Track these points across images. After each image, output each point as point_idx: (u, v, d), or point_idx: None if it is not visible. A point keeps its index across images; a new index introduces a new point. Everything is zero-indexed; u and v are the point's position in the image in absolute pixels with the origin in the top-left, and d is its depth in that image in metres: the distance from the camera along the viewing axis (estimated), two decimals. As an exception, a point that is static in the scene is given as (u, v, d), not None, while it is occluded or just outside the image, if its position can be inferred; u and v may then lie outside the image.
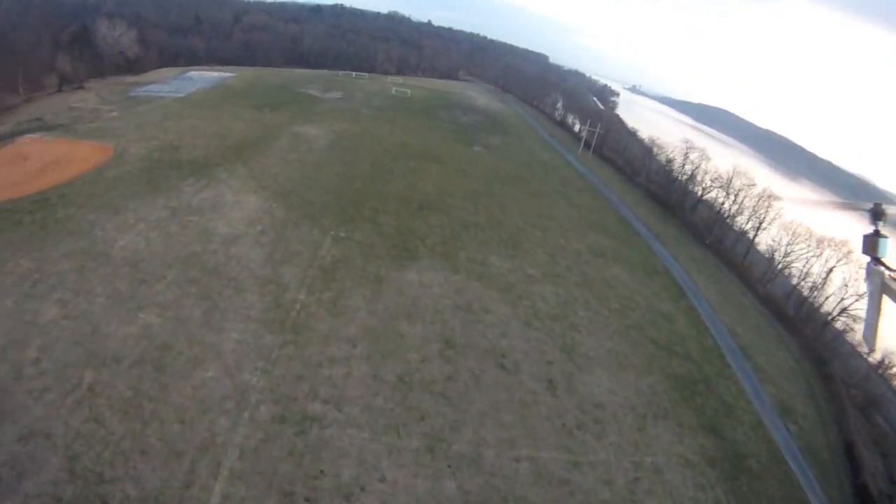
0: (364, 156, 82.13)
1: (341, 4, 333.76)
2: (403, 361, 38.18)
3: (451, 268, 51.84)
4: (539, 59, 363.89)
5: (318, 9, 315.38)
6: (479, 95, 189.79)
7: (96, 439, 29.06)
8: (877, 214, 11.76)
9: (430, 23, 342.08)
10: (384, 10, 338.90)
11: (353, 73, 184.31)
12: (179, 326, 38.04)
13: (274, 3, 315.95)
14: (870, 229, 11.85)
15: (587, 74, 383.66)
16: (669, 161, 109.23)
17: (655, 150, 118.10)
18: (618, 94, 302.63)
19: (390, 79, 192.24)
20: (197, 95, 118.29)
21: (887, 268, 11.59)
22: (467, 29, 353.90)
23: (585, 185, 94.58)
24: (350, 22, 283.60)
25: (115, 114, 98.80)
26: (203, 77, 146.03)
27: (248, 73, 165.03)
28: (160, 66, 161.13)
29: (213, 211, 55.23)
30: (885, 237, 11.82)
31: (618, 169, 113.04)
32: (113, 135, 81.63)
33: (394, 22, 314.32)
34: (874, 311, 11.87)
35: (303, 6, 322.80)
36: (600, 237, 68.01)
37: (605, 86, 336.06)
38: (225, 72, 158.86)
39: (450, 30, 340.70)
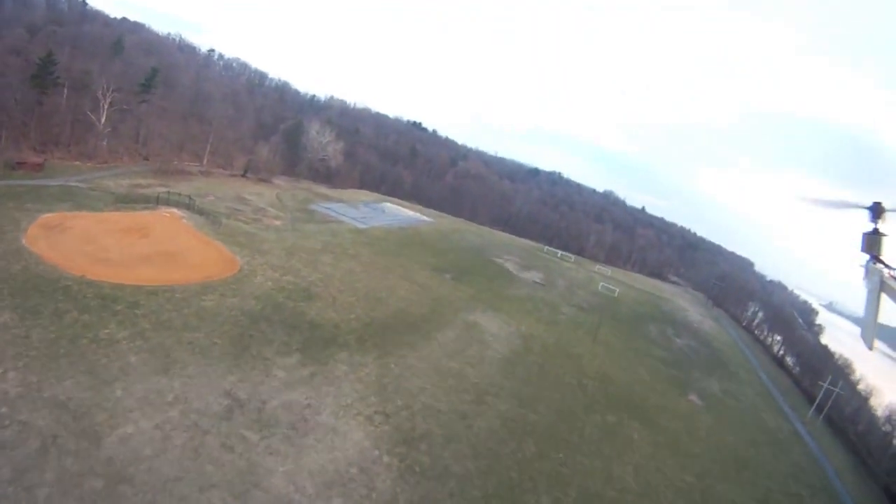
0: (550, 391, 65.55)
1: (559, 173, 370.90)
2: None
3: None
4: (745, 266, 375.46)
5: (535, 172, 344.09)
6: (690, 307, 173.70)
7: None
8: (876, 213, 13.48)
9: (643, 209, 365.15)
10: (600, 187, 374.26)
11: (559, 253, 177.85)
12: None
13: (494, 156, 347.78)
14: (869, 227, 13.48)
15: (789, 288, 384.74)
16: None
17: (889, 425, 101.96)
18: (817, 313, 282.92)
19: (598, 267, 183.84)
20: (378, 232, 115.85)
21: (886, 266, 13.40)
22: (679, 222, 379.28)
23: (821, 480, 71.57)
24: (565, 193, 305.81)
25: (278, 222, 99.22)
26: (396, 213, 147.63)
27: (446, 221, 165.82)
28: (360, 187, 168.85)
29: (286, 435, 41.44)
30: (885, 235, 13.48)
31: (851, 447, 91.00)
32: (255, 248, 78.62)
33: (608, 202, 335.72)
34: (872, 309, 13.87)
35: (521, 166, 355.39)
36: None
37: (805, 301, 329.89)
38: (422, 214, 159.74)
39: (662, 220, 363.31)
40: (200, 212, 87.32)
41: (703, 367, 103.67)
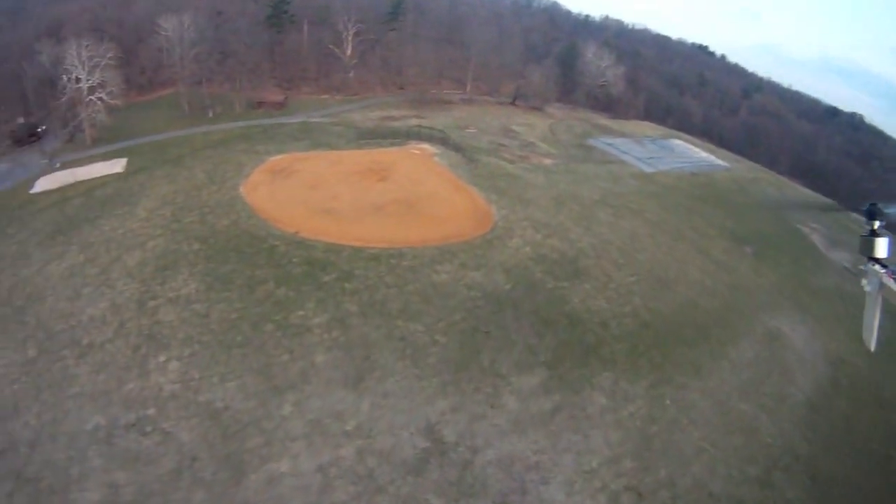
0: (851, 468, 39.90)
1: (861, 116, 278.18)
2: None
3: None
4: None
5: (834, 112, 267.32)
6: None
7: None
8: (873, 214, 13.09)
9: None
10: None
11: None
12: None
13: (788, 89, 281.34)
14: (866, 229, 13.41)
15: None
16: None
17: None
18: None
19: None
20: (667, 178, 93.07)
21: (885, 267, 13.08)
22: None
23: None
24: (870, 142, 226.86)
25: (549, 161, 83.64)
26: (687, 153, 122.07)
27: (743, 167, 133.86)
28: (643, 118, 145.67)
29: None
30: (883, 236, 13.10)
31: None
32: (517, 196, 63.39)
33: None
34: (872, 310, 13.87)
35: (817, 104, 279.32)
36: None
37: None
38: (716, 156, 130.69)
39: None
40: (457, 148, 75.00)
41: None
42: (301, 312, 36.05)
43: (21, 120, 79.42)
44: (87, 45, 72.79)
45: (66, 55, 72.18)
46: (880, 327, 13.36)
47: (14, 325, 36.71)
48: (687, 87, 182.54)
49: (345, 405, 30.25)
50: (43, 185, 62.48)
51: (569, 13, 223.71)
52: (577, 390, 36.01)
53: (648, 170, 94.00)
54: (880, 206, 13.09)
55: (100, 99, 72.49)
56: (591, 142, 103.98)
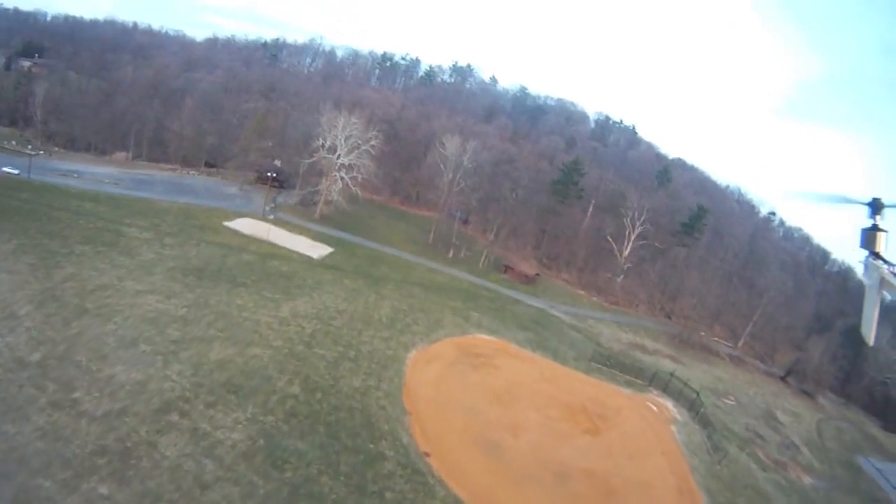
0: None
1: None
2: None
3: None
4: None
5: None
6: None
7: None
8: (876, 208, 13.74)
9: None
10: None
11: None
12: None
13: None
14: (868, 223, 13.86)
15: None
16: None
17: None
18: None
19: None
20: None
21: (886, 262, 13.65)
22: None
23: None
24: None
25: (808, 480, 61.05)
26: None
27: None
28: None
29: None
30: (884, 231, 13.63)
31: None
32: None
33: None
34: (872, 304, 14.44)
35: None
36: None
37: None
38: None
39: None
40: (704, 422, 57.32)
41: None
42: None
43: (277, 163, 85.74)
44: (354, 123, 74.75)
45: (334, 123, 74.71)
46: (879, 322, 13.13)
47: (58, 322, 32.19)
48: None
49: None
50: (239, 225, 62.49)
51: (860, 284, 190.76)
52: None
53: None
54: (882, 200, 13.40)
55: (342, 179, 73.14)
56: (860, 460, 79.08)
